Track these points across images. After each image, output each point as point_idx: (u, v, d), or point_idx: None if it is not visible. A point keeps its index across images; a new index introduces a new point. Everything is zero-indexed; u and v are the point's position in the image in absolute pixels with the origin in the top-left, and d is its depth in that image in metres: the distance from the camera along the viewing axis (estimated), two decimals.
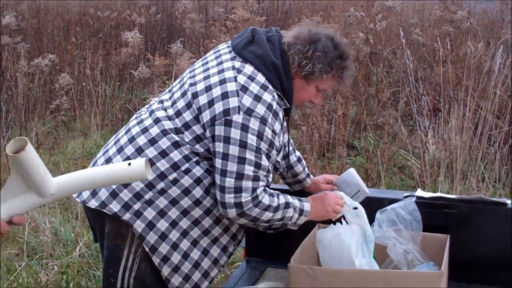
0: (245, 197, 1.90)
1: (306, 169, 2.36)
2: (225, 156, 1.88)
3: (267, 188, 1.99)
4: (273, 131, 1.92)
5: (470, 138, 4.52)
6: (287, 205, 2.00)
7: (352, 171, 2.30)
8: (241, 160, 1.88)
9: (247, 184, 1.90)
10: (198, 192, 1.96)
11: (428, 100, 5.27)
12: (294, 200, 2.03)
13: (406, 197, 2.29)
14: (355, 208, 2.13)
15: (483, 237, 2.24)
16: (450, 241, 2.16)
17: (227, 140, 1.87)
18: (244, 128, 1.87)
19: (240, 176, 1.89)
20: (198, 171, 1.95)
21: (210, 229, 2.02)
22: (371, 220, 2.18)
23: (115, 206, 1.95)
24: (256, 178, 1.91)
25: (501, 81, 4.74)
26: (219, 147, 1.88)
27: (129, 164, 1.17)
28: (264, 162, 1.92)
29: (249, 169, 1.89)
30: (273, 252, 2.42)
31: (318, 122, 4.71)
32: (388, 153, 4.59)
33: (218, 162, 1.89)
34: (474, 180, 4.14)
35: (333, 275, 2.01)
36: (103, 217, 2.01)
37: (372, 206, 2.20)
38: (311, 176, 2.37)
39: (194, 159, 1.95)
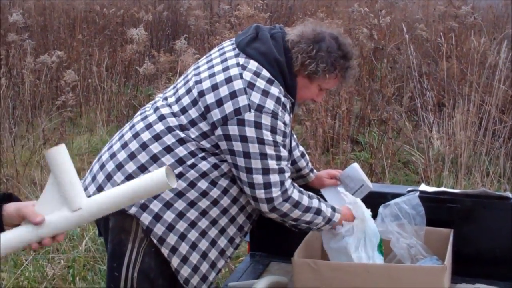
0: (275, 191, 1.95)
1: (310, 164, 2.38)
2: (247, 154, 1.92)
3: (295, 185, 2.04)
4: (284, 123, 1.96)
5: (474, 133, 4.52)
6: (318, 211, 2.04)
7: (355, 165, 2.31)
8: (263, 156, 1.92)
9: (274, 178, 1.94)
10: (203, 184, 1.99)
11: (433, 95, 5.27)
12: (327, 209, 2.06)
13: (409, 191, 2.29)
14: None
15: (486, 232, 2.24)
16: (454, 235, 2.17)
17: (244, 139, 1.91)
18: (258, 125, 1.90)
19: (266, 171, 1.93)
20: (204, 166, 1.97)
21: (218, 219, 2.04)
22: (375, 214, 2.19)
23: None
24: (281, 171, 1.96)
25: (505, 75, 4.73)
26: (238, 146, 1.92)
27: (150, 176, 1.23)
28: (283, 153, 1.97)
29: (272, 163, 1.94)
30: (277, 246, 2.44)
31: (322, 118, 4.71)
32: (393, 148, 4.60)
33: (240, 161, 1.93)
34: (478, 175, 4.14)
35: (337, 268, 2.03)
36: None
37: (375, 201, 2.21)
38: (314, 171, 2.38)
39: (200, 155, 1.97)
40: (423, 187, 2.39)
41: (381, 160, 4.42)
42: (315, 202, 2.04)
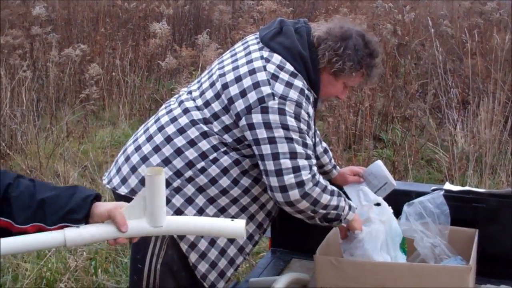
0: (305, 174, 1.90)
1: (333, 160, 2.36)
2: (272, 140, 1.89)
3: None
4: (308, 114, 1.94)
5: (499, 131, 4.45)
6: (339, 194, 2.02)
7: (379, 163, 2.29)
8: (290, 140, 1.89)
9: (303, 162, 1.91)
10: (225, 182, 1.99)
11: (457, 93, 5.20)
12: (342, 194, 2.04)
13: (434, 190, 2.27)
14: (377, 204, 2.11)
15: None
16: (479, 235, 2.14)
17: (268, 125, 1.89)
18: (282, 111, 1.89)
19: (294, 155, 1.90)
20: (225, 161, 1.97)
21: (237, 216, 2.04)
22: (399, 213, 2.17)
23: None
24: (308, 157, 1.93)
25: None
26: (262, 133, 1.89)
27: (232, 220, 1.35)
28: (308, 140, 1.95)
29: (299, 148, 1.91)
30: (299, 243, 2.43)
31: (344, 114, 4.69)
32: (416, 146, 4.55)
33: (265, 148, 1.90)
34: (503, 174, 4.08)
35: (359, 267, 2.02)
36: None
37: (399, 199, 2.19)
38: (337, 167, 2.37)
39: (222, 149, 1.97)
40: (448, 186, 2.36)
41: (404, 158, 4.38)
42: (333, 187, 2.02)
